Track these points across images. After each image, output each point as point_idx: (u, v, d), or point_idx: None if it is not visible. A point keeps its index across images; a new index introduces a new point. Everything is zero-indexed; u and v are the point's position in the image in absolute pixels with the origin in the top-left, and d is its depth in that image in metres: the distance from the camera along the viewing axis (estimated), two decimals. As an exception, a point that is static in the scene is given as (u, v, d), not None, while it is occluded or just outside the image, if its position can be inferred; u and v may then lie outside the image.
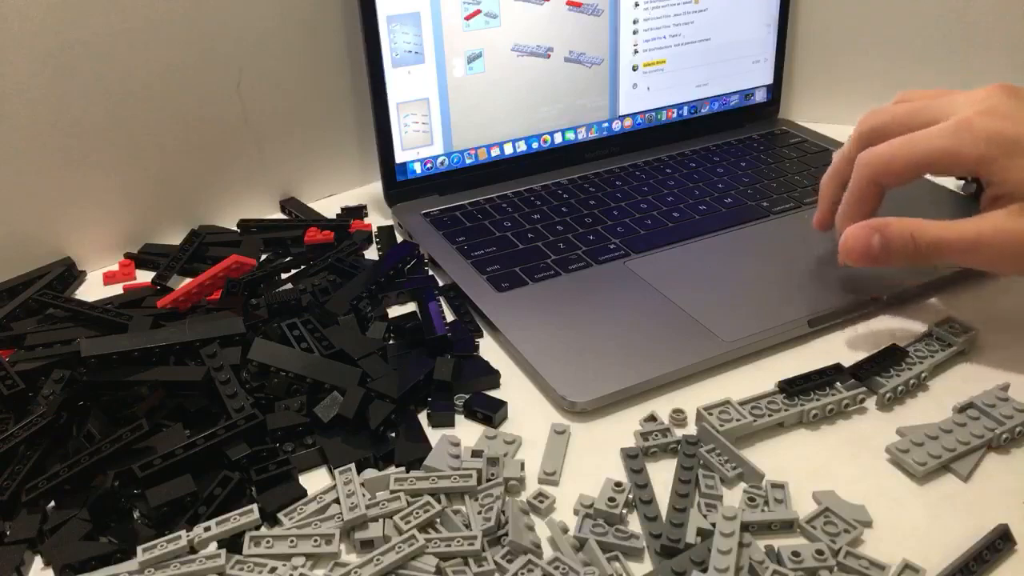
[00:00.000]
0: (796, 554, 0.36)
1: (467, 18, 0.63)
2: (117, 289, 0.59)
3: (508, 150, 0.69)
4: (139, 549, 0.37)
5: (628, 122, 0.73)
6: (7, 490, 0.40)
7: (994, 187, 0.46)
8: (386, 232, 0.64)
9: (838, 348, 0.50)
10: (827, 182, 0.54)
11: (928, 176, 0.51)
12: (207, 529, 0.38)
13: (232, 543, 0.38)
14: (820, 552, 0.36)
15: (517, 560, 0.36)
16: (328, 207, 0.69)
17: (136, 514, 0.40)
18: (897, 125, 0.49)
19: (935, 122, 0.47)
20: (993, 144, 0.45)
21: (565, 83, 0.69)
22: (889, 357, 0.47)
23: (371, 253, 0.63)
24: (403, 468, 0.41)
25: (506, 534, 0.38)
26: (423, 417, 0.46)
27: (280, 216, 0.69)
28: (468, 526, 0.38)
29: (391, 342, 0.51)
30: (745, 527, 0.37)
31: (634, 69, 0.71)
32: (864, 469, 0.42)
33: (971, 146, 0.45)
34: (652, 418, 0.44)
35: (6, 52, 0.53)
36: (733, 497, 0.40)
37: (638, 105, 0.73)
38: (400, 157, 0.65)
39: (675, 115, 0.75)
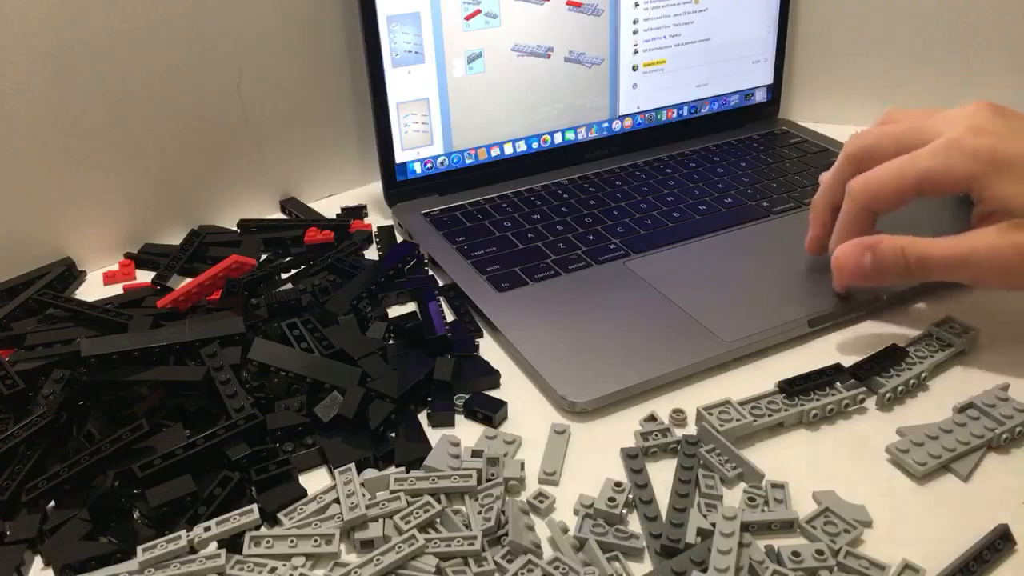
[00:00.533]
0: (796, 554, 0.36)
1: (467, 18, 0.63)
2: (117, 289, 0.59)
3: (508, 150, 0.69)
4: (139, 549, 0.37)
5: (628, 122, 0.73)
6: (7, 490, 0.40)
7: (984, 204, 0.45)
8: (386, 232, 0.64)
9: (838, 348, 0.50)
10: (817, 204, 0.53)
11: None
12: (207, 529, 0.38)
13: (232, 543, 0.38)
14: (820, 552, 0.36)
15: (517, 560, 0.36)
16: (328, 207, 0.69)
17: (136, 514, 0.40)
18: (885, 146, 0.48)
19: (923, 142, 0.47)
20: (982, 161, 0.45)
21: (565, 83, 0.69)
22: (889, 357, 0.47)
23: (371, 253, 0.63)
24: (403, 468, 0.41)
25: (506, 534, 0.38)
26: (423, 417, 0.46)
27: (280, 216, 0.69)
28: (468, 526, 0.38)
29: (391, 342, 0.51)
30: (745, 527, 0.37)
31: (634, 69, 0.71)
32: (864, 469, 0.42)
33: (961, 164, 0.45)
34: (652, 418, 0.44)
35: (6, 52, 0.53)
36: (733, 497, 0.40)
37: (638, 105, 0.73)
38: (400, 157, 0.65)
39: (675, 115, 0.75)
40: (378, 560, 0.36)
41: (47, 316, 0.53)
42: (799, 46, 0.79)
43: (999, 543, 0.37)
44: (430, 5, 0.61)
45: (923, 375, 0.46)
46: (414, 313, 0.53)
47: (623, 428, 0.44)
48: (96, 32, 0.56)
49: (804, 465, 0.42)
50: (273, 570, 0.36)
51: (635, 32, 0.70)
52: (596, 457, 0.43)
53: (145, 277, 0.60)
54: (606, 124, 0.72)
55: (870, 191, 0.48)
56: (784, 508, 0.39)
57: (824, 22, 0.78)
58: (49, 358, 0.48)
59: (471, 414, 0.46)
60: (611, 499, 0.39)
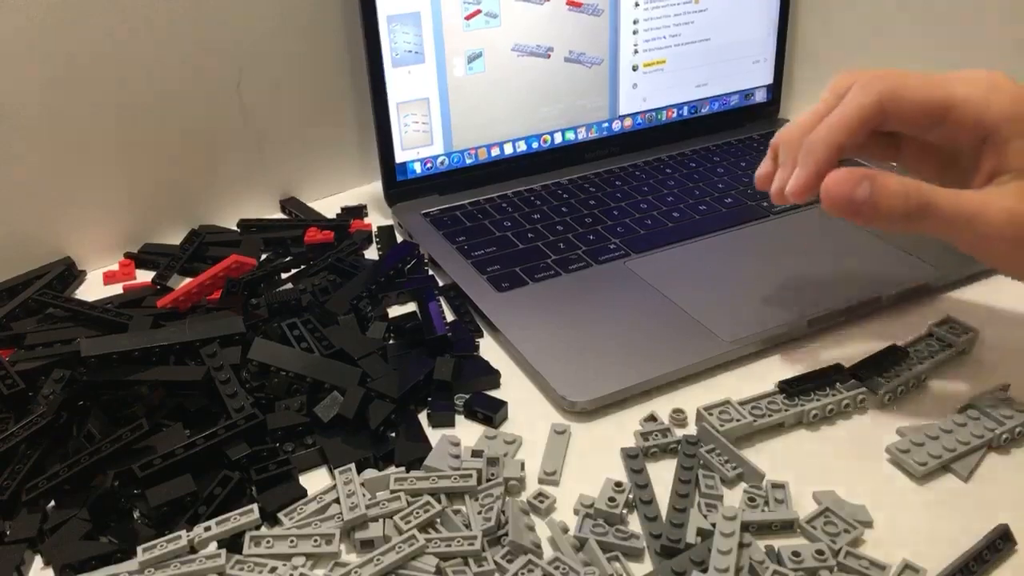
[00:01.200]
0: (796, 554, 0.36)
1: (467, 18, 0.63)
2: (117, 289, 0.59)
3: (508, 150, 0.69)
4: (139, 549, 0.37)
5: (628, 122, 0.73)
6: (7, 490, 0.40)
7: (1002, 157, 0.40)
8: (386, 232, 0.64)
9: (838, 348, 0.50)
10: (792, 136, 0.44)
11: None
12: (207, 529, 0.38)
13: (232, 543, 0.38)
14: (820, 552, 0.36)
15: (517, 560, 0.36)
16: (328, 207, 0.69)
17: (136, 514, 0.40)
18: (900, 74, 0.42)
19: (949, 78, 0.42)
20: (1022, 107, 0.40)
21: (565, 83, 0.69)
22: (889, 357, 0.47)
23: (371, 253, 0.63)
24: (403, 468, 0.41)
25: (506, 534, 0.38)
26: (423, 417, 0.46)
27: (280, 216, 0.69)
28: (468, 526, 0.38)
29: (391, 342, 0.51)
30: (745, 527, 0.37)
31: (634, 69, 0.71)
32: (864, 469, 0.42)
33: (999, 102, 0.40)
34: (652, 418, 0.44)
35: (6, 51, 0.53)
36: (733, 497, 0.40)
37: (638, 105, 0.73)
38: (400, 157, 0.65)
39: (675, 115, 0.75)
40: (378, 560, 0.36)
41: (47, 316, 0.53)
42: (799, 46, 0.79)
43: (999, 543, 0.37)
44: (430, 5, 0.61)
45: (923, 375, 0.46)
46: (414, 313, 0.53)
47: (623, 428, 0.44)
48: (96, 32, 0.56)
49: (804, 465, 0.42)
50: (273, 570, 0.36)
51: (635, 32, 0.70)
52: (596, 457, 0.43)
53: (145, 277, 0.60)
54: (606, 124, 0.72)
55: (896, 83, 0.41)
56: (784, 508, 0.39)
57: (824, 22, 0.78)
58: (49, 358, 0.48)
59: (471, 414, 0.46)
60: (611, 499, 0.39)
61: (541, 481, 0.41)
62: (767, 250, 0.58)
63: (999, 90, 0.41)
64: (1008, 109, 0.40)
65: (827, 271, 0.54)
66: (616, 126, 0.73)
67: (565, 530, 0.38)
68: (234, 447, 0.41)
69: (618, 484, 0.40)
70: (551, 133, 0.70)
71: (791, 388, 0.45)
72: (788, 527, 0.38)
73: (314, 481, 0.42)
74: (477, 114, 0.66)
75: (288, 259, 0.60)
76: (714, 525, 0.37)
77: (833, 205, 0.41)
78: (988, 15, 0.72)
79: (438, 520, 0.39)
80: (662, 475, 0.41)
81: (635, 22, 0.70)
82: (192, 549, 0.37)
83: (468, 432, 0.45)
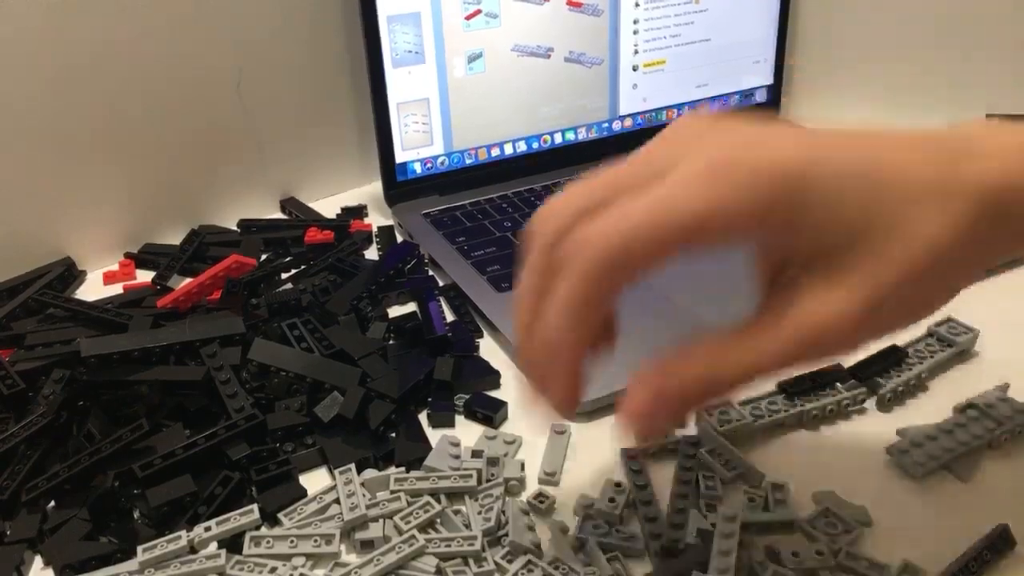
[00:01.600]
0: (796, 554, 0.36)
1: (467, 18, 0.63)
2: (117, 289, 0.59)
3: (508, 150, 0.69)
4: (139, 549, 0.37)
5: (628, 122, 0.73)
6: (7, 490, 0.40)
7: (795, 246, 0.31)
8: (386, 232, 0.64)
9: (838, 348, 0.50)
10: (525, 302, 0.31)
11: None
12: (207, 529, 0.38)
13: (232, 543, 0.38)
14: (820, 552, 0.36)
15: (517, 560, 0.36)
16: (328, 207, 0.69)
17: (136, 514, 0.40)
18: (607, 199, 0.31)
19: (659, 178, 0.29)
20: (778, 183, 0.28)
21: (565, 83, 0.69)
22: (889, 357, 0.47)
23: (371, 253, 0.63)
24: (403, 468, 0.41)
25: (506, 534, 0.38)
26: (423, 417, 0.46)
27: (280, 216, 0.69)
28: (468, 526, 0.38)
29: (391, 342, 0.51)
30: (745, 527, 0.37)
31: (634, 69, 0.71)
32: (864, 469, 0.42)
33: (749, 192, 0.27)
34: (652, 418, 0.44)
35: (6, 51, 0.53)
36: (733, 497, 0.40)
37: (638, 105, 0.73)
38: (400, 157, 0.65)
39: (675, 115, 0.75)
40: (378, 560, 0.36)
41: (47, 316, 0.53)
42: (799, 46, 0.79)
43: (999, 543, 0.36)
44: (430, 5, 0.61)
45: (923, 375, 0.46)
46: (414, 313, 0.53)
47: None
48: (96, 32, 0.56)
49: (804, 465, 0.42)
50: (273, 570, 0.36)
51: (635, 32, 0.70)
52: (596, 457, 0.43)
53: (145, 277, 0.60)
54: (606, 124, 0.72)
55: (622, 239, 0.29)
56: (784, 508, 0.39)
57: (824, 22, 0.78)
58: (49, 358, 0.48)
59: (471, 414, 0.46)
60: (611, 499, 0.39)
61: (541, 481, 0.41)
62: (767, 250, 0.58)
63: (718, 181, 0.28)
64: (765, 195, 0.28)
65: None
66: (616, 126, 0.73)
67: (565, 530, 0.38)
68: (234, 447, 0.41)
69: (618, 484, 0.40)
70: (551, 133, 0.70)
71: (791, 388, 0.45)
72: (788, 527, 0.38)
73: (314, 481, 0.42)
74: (477, 114, 0.66)
75: (288, 259, 0.60)
76: (714, 525, 0.37)
77: (644, 431, 0.32)
78: (988, 15, 0.72)
79: (438, 520, 0.39)
80: (662, 475, 0.41)
81: (635, 22, 0.70)
82: (192, 549, 0.37)
83: (468, 432, 0.45)
